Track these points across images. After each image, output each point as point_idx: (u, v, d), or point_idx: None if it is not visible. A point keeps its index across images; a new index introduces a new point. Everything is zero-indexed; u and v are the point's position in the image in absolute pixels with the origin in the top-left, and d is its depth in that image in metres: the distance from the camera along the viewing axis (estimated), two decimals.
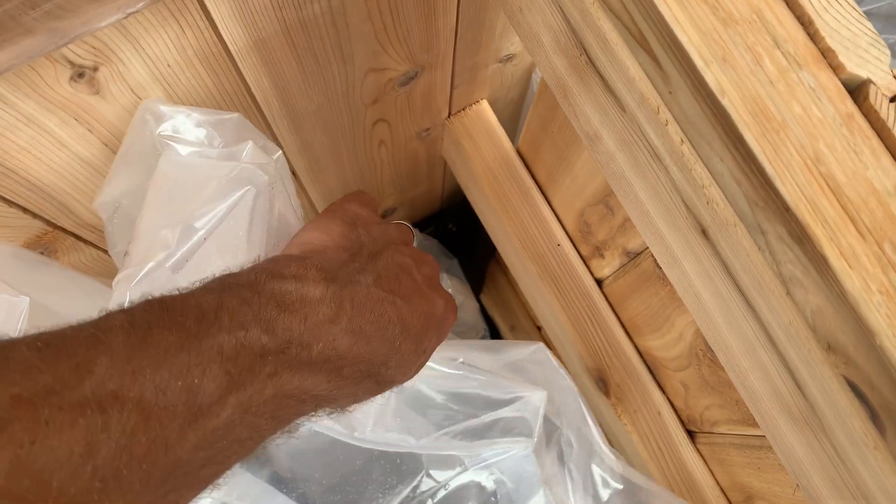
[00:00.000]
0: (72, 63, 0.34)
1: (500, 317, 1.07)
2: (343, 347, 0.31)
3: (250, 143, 0.39)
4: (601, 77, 0.33)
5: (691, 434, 0.62)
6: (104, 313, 0.26)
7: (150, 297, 0.27)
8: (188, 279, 0.31)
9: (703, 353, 0.52)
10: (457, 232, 0.98)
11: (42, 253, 0.48)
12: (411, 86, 0.56)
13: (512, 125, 0.76)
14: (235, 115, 0.41)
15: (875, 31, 0.26)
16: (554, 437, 0.52)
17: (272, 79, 0.45)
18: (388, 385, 0.36)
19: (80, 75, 0.35)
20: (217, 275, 0.31)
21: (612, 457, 0.50)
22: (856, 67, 0.26)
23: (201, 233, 0.36)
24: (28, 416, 0.21)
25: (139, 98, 0.39)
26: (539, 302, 0.69)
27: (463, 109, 0.67)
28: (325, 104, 0.51)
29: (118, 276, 0.36)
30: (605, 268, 0.62)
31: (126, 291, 0.34)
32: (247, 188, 0.37)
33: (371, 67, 0.50)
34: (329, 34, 0.43)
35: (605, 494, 0.50)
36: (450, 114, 0.67)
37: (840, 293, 0.25)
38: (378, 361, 0.34)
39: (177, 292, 0.28)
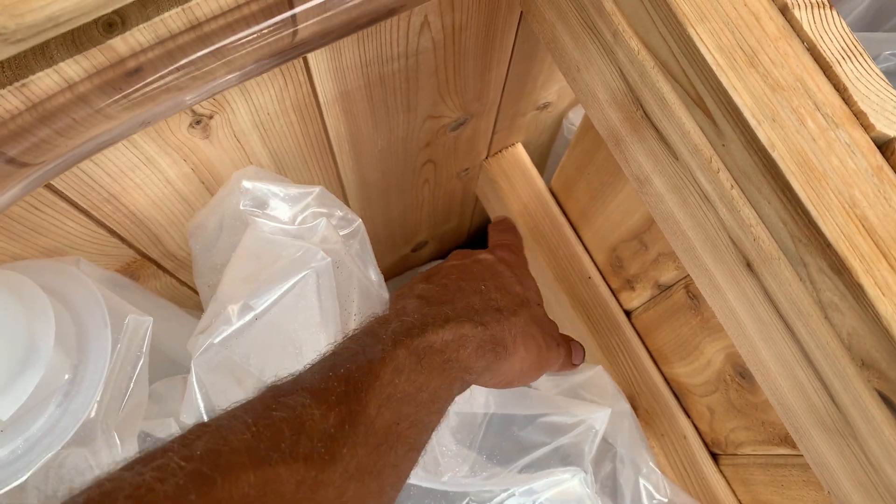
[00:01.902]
0: (195, 112, 0.39)
1: None
2: (445, 311, 0.41)
3: (323, 221, 0.44)
4: (656, 129, 0.39)
5: (715, 456, 0.66)
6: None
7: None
8: (244, 353, 0.36)
9: (732, 378, 0.56)
10: None
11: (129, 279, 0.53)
12: (460, 131, 0.61)
13: (541, 165, 0.82)
14: (317, 189, 0.46)
15: None
16: (608, 455, 0.56)
17: (348, 125, 0.50)
18: (513, 309, 0.45)
19: (198, 122, 0.40)
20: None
21: (659, 474, 0.54)
22: (884, 127, 0.31)
23: (255, 312, 0.41)
24: None
25: (239, 142, 0.44)
26: (571, 331, 0.74)
27: (500, 151, 0.73)
28: (386, 148, 0.56)
29: (194, 335, 0.41)
30: (635, 300, 0.67)
31: (192, 361, 0.39)
32: (305, 272, 0.42)
33: (430, 115, 0.55)
34: (401, 87, 0.48)
35: None
36: (488, 155, 0.72)
37: (874, 316, 0.30)
38: (479, 303, 0.43)
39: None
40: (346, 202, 0.63)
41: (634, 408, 0.69)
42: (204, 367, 0.38)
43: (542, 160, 0.82)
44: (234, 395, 0.39)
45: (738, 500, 0.65)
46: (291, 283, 0.41)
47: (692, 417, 0.67)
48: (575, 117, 0.74)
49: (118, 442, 0.37)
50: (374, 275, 0.47)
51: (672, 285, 0.59)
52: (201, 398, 0.38)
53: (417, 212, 0.76)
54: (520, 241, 0.59)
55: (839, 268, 0.31)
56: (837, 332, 0.33)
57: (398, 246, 0.86)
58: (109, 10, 0.30)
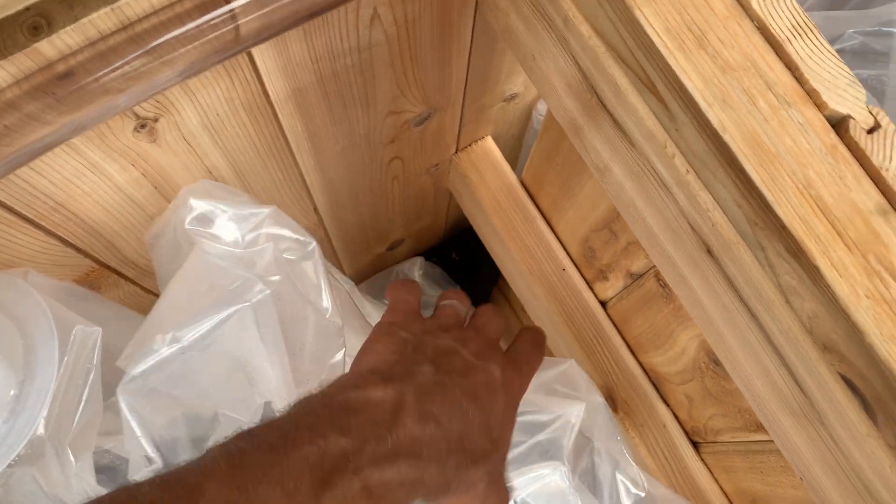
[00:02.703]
0: (137, 115, 0.38)
1: (506, 343, 1.10)
2: (416, 432, 0.34)
3: (270, 248, 0.43)
4: (611, 116, 0.38)
5: (696, 444, 0.66)
6: (205, 450, 0.30)
7: (240, 430, 0.32)
8: (172, 383, 0.36)
9: (707, 366, 0.56)
10: (459, 261, 1.02)
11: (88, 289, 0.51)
12: (425, 125, 0.60)
13: (513, 159, 0.81)
14: (269, 209, 0.44)
15: (852, 73, 0.31)
16: (586, 449, 0.55)
17: (304, 124, 0.49)
18: (481, 456, 0.38)
19: (143, 126, 0.39)
20: (293, 402, 0.35)
21: (636, 467, 0.53)
22: (837, 105, 0.30)
23: (180, 345, 0.40)
24: None
25: (190, 145, 0.43)
26: (547, 324, 0.73)
27: (469, 145, 0.72)
28: (348, 146, 0.55)
29: (121, 358, 0.39)
30: (609, 290, 0.66)
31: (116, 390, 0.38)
32: (239, 306, 0.40)
33: (391, 110, 0.54)
34: (357, 81, 0.47)
35: (628, 502, 0.53)
36: (457, 150, 0.71)
37: (833, 299, 0.29)
38: (455, 437, 0.36)
39: (261, 422, 0.33)
40: (312, 202, 0.62)
41: (613, 399, 0.68)
42: (131, 396, 0.37)
43: (515, 153, 0.81)
44: (169, 423, 0.39)
45: (721, 488, 0.65)
46: (224, 315, 0.40)
47: (671, 406, 0.67)
48: (544, 108, 0.73)
49: (72, 459, 0.36)
50: (327, 302, 0.46)
51: (643, 274, 0.58)
52: (137, 426, 0.37)
53: (389, 210, 0.75)
54: (539, 364, 0.49)
55: (796, 250, 0.30)
56: (798, 317, 0.32)
57: (372, 245, 0.85)
58: (22, 6, 0.29)
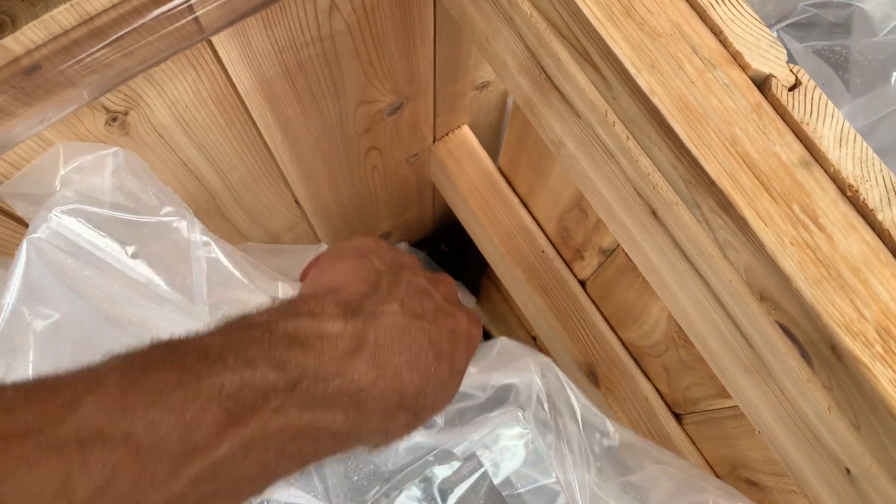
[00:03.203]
0: (107, 109, 0.40)
1: (496, 329, 1.12)
2: (366, 381, 0.30)
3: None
4: (558, 90, 0.39)
5: (678, 417, 0.67)
6: (107, 356, 0.26)
7: (158, 339, 0.27)
8: None
9: (678, 336, 0.57)
10: (449, 252, 1.04)
11: None
12: (398, 115, 0.62)
13: (493, 147, 0.82)
14: None
15: (773, 35, 0.32)
16: (551, 416, 0.56)
17: (275, 115, 0.50)
18: (427, 414, 0.35)
19: (114, 119, 0.41)
20: (229, 317, 0.30)
21: (604, 417, 0.54)
22: (760, 65, 0.32)
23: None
24: (1, 454, 0.21)
25: (162, 138, 0.45)
26: (529, 306, 0.75)
27: (446, 135, 0.74)
28: (322, 136, 0.57)
29: None
30: (587, 268, 0.68)
31: None
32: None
33: (361, 100, 0.56)
34: (323, 72, 0.49)
35: (600, 451, 0.54)
36: (434, 139, 0.73)
37: (761, 249, 0.31)
38: (412, 392, 0.32)
39: (186, 335, 0.28)
40: (293, 194, 0.64)
41: (595, 374, 0.70)
42: None
43: (494, 141, 0.82)
44: None
45: (703, 457, 0.66)
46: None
47: (652, 379, 0.68)
48: None
49: None
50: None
51: (614, 249, 0.60)
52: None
53: (372, 201, 0.77)
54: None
55: (725, 204, 0.31)
56: (736, 269, 0.34)
57: None
58: None
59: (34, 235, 0.36)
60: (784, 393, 0.36)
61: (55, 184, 0.38)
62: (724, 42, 0.33)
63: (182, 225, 0.41)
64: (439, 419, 0.57)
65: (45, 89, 0.34)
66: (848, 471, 0.34)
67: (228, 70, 0.43)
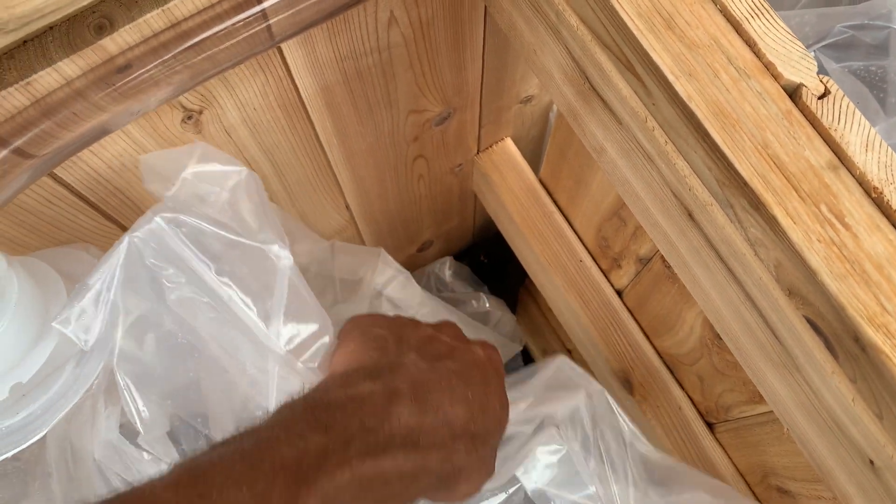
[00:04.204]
0: (185, 108, 0.44)
1: (532, 341, 1.14)
2: (413, 422, 0.33)
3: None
4: (601, 99, 0.42)
5: (710, 425, 0.69)
6: (170, 466, 0.29)
7: (213, 442, 0.31)
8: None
9: (712, 342, 0.59)
10: (488, 263, 1.06)
11: None
12: (445, 125, 0.65)
13: (535, 159, 0.85)
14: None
15: (804, 48, 0.35)
16: (593, 436, 0.57)
17: (333, 120, 0.54)
18: (485, 439, 0.37)
19: (190, 118, 0.45)
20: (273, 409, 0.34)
21: (649, 444, 0.56)
22: (791, 75, 0.34)
23: None
24: None
25: (230, 137, 0.49)
26: (566, 314, 0.77)
27: (490, 146, 0.77)
28: (374, 142, 0.60)
29: None
30: (623, 277, 0.70)
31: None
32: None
33: (412, 109, 0.59)
34: (379, 81, 0.53)
35: (641, 477, 0.56)
36: (479, 150, 0.76)
37: (790, 245, 0.33)
38: (460, 422, 0.35)
39: (234, 433, 0.31)
40: (344, 199, 0.67)
41: (630, 382, 0.72)
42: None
43: (536, 154, 0.85)
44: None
45: (735, 466, 0.67)
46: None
47: (686, 388, 0.70)
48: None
49: (104, 409, 0.42)
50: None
51: (651, 258, 0.62)
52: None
53: (416, 209, 0.80)
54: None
55: (756, 204, 0.34)
56: (766, 266, 0.36)
57: (403, 246, 0.90)
58: (86, 2, 0.35)
59: (135, 234, 0.40)
60: (810, 385, 0.38)
61: (179, 177, 0.42)
62: (757, 53, 0.35)
63: (274, 252, 0.44)
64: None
65: (133, 87, 0.38)
66: (872, 462, 0.36)
67: (294, 75, 0.47)
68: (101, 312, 0.40)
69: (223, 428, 0.44)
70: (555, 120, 0.65)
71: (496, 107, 0.68)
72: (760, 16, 0.35)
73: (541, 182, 0.77)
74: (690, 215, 0.40)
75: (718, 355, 0.59)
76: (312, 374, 0.43)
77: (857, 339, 0.32)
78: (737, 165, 0.34)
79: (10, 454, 0.38)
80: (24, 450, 0.38)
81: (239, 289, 0.42)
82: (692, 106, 0.34)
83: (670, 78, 0.35)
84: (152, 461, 0.42)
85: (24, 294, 0.38)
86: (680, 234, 0.42)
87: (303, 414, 0.32)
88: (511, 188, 0.76)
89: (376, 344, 0.39)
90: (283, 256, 0.44)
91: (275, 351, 0.42)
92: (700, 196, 0.37)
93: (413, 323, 0.42)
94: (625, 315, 0.72)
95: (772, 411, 0.57)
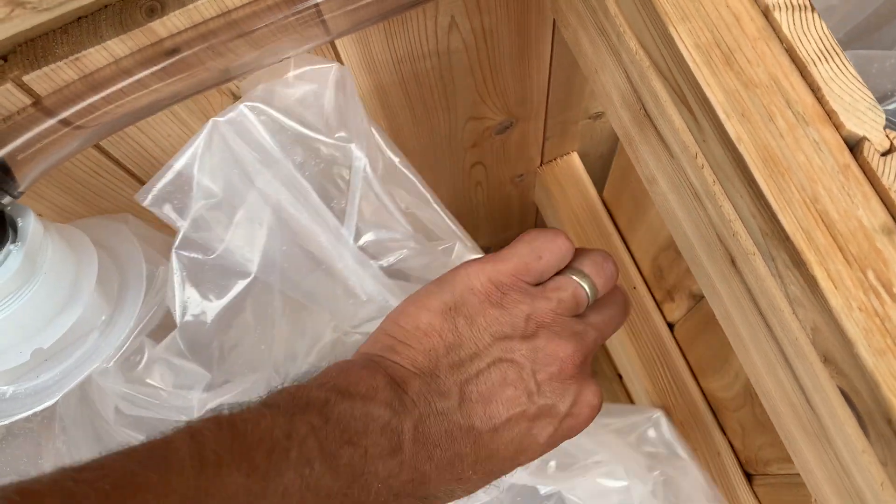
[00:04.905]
0: (234, 95, 0.44)
1: None
2: (400, 482, 0.30)
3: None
4: (655, 128, 0.40)
5: (749, 476, 0.65)
6: (178, 433, 0.26)
7: (220, 417, 0.28)
8: None
9: (755, 392, 0.56)
10: None
11: None
12: (507, 134, 0.64)
13: (601, 178, 0.83)
14: None
15: (873, 98, 0.32)
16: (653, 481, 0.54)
17: (387, 120, 0.53)
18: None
19: None
20: (290, 385, 0.31)
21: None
22: (854, 126, 0.32)
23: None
24: None
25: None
26: (614, 341, 0.74)
27: (554, 159, 0.75)
28: (429, 145, 0.59)
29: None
30: (676, 311, 0.67)
31: None
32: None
33: (471, 116, 0.58)
34: (437, 85, 0.52)
35: None
36: (542, 163, 0.74)
37: (827, 309, 0.30)
38: (437, 492, 0.31)
39: (247, 407, 0.29)
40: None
41: (669, 418, 0.69)
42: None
43: (603, 172, 0.83)
44: None
45: None
46: None
47: (727, 434, 0.66)
48: None
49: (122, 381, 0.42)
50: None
51: (703, 296, 0.59)
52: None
53: (473, 215, 0.79)
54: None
55: (798, 261, 0.31)
56: (803, 327, 0.33)
57: None
58: None
59: (219, 119, 0.40)
60: (840, 460, 0.35)
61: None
62: (820, 99, 0.33)
63: (349, 151, 0.43)
64: (552, 462, 0.57)
65: (179, 70, 0.38)
66: None
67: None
68: (186, 191, 0.41)
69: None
70: (620, 144, 0.63)
71: (562, 119, 0.67)
72: (829, 60, 0.33)
73: (603, 201, 0.75)
74: (733, 262, 0.37)
75: (761, 406, 0.56)
76: (384, 274, 0.43)
77: (891, 421, 0.29)
78: (780, 217, 0.31)
79: (25, 415, 0.39)
80: (38, 412, 0.39)
81: (314, 183, 0.41)
82: (741, 148, 0.32)
83: (721, 116, 0.33)
84: (176, 395, 0.42)
85: (56, 262, 0.38)
86: (722, 279, 0.40)
87: (319, 427, 0.29)
88: (571, 204, 0.74)
89: (445, 332, 0.33)
90: (357, 157, 0.43)
91: (349, 246, 0.42)
92: (743, 243, 0.35)
93: (526, 328, 0.33)
94: (673, 349, 0.69)
95: None
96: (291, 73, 0.42)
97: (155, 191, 0.40)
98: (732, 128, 0.33)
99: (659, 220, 0.62)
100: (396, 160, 0.46)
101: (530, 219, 0.89)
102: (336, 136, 0.43)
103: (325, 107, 0.43)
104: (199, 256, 0.42)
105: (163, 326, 0.44)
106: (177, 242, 0.41)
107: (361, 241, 0.43)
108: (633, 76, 0.40)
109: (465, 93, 0.54)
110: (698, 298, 0.60)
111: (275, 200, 0.42)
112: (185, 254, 0.41)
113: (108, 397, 0.42)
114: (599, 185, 0.76)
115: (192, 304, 0.42)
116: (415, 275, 0.46)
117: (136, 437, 0.44)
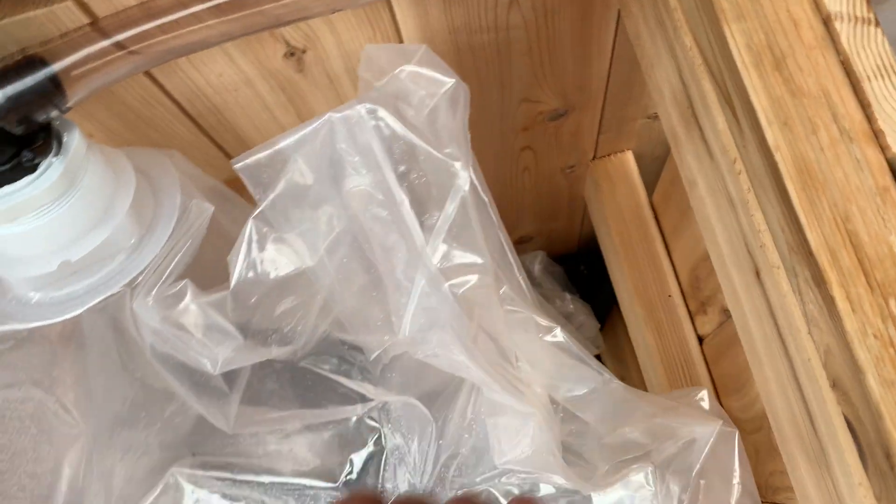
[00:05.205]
0: (287, 43, 0.44)
1: (612, 366, 1.10)
2: None
3: None
4: (700, 128, 0.39)
5: None
6: None
7: None
8: None
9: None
10: (587, 275, 1.03)
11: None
12: (560, 122, 0.63)
13: (653, 181, 0.81)
14: None
15: None
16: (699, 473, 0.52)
17: None
18: None
19: (292, 54, 0.46)
20: None
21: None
22: None
23: None
24: None
25: (332, 84, 0.49)
26: (641, 346, 0.73)
27: (608, 155, 0.74)
28: (478, 121, 0.59)
29: None
30: (707, 325, 0.66)
31: None
32: None
33: (525, 97, 0.57)
34: (492, 60, 0.51)
35: None
36: (595, 157, 0.73)
37: (841, 332, 0.29)
38: None
39: None
40: None
41: None
42: None
43: (655, 176, 0.81)
44: None
45: None
46: None
47: None
48: None
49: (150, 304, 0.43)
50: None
51: None
52: None
53: (518, 201, 0.79)
54: None
55: (819, 279, 0.30)
56: (817, 349, 0.32)
57: None
58: None
59: (335, 115, 0.40)
60: (837, 490, 0.34)
61: (393, 72, 0.42)
62: (869, 117, 0.31)
63: (455, 169, 0.43)
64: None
65: (235, 9, 0.39)
66: None
67: (402, 36, 0.46)
68: (278, 170, 0.41)
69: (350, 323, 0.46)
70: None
71: (620, 115, 0.66)
72: (886, 77, 0.31)
73: (652, 205, 0.73)
74: (758, 274, 0.36)
75: None
76: (454, 301, 0.42)
77: (889, 456, 0.28)
78: (807, 232, 0.30)
79: (47, 323, 0.41)
80: (58, 323, 0.41)
81: (411, 195, 0.42)
82: (777, 157, 0.31)
83: (762, 122, 0.32)
84: (203, 345, 0.43)
85: (94, 180, 0.40)
86: (746, 291, 0.39)
87: None
88: (618, 203, 0.73)
89: None
90: (462, 177, 0.43)
91: (426, 265, 0.42)
92: (769, 256, 0.34)
93: None
94: (700, 363, 0.68)
95: None
96: (408, 68, 0.42)
97: (251, 160, 0.40)
98: (772, 135, 0.32)
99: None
100: (486, 199, 0.45)
101: (577, 214, 0.88)
102: (444, 151, 0.43)
103: (438, 120, 0.43)
104: (270, 232, 0.43)
105: (190, 267, 0.45)
106: (256, 212, 0.42)
107: (441, 262, 0.43)
108: (684, 73, 0.40)
109: (522, 73, 0.54)
110: (730, 314, 0.59)
111: (359, 207, 0.42)
112: (260, 224, 0.42)
113: (145, 328, 0.43)
114: (650, 188, 0.75)
115: (250, 270, 0.43)
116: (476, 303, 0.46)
117: (166, 374, 0.45)
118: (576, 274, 1.04)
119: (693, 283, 0.67)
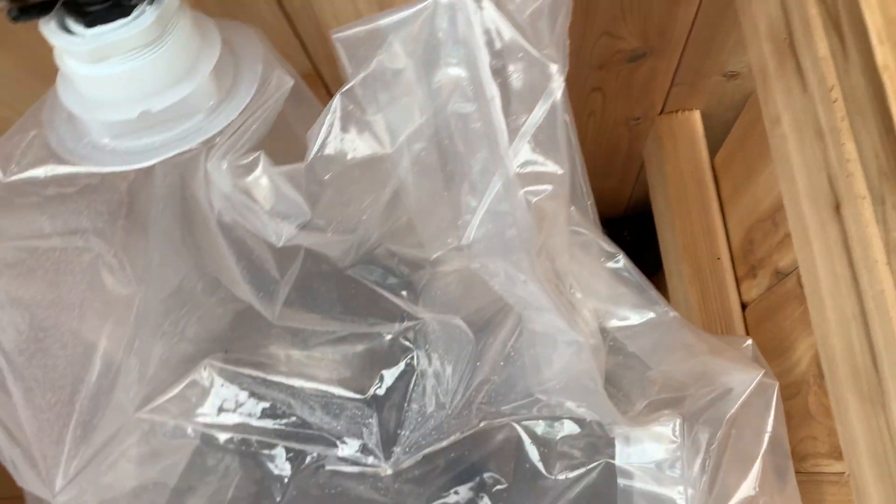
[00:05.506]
0: None
1: None
2: None
3: None
4: (796, 59, 0.39)
5: None
6: None
7: None
8: None
9: (815, 379, 0.54)
10: (630, 241, 1.02)
11: None
12: (636, 65, 0.62)
13: (716, 145, 0.80)
14: None
15: None
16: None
17: None
18: None
19: None
20: None
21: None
22: None
23: None
24: None
25: None
26: (682, 307, 0.73)
27: (676, 112, 0.73)
28: None
29: None
30: (754, 289, 0.65)
31: None
32: None
33: (607, 30, 0.57)
34: None
35: None
36: (662, 111, 0.73)
37: None
38: None
39: None
40: None
41: None
42: None
43: (720, 139, 0.80)
44: None
45: None
46: None
47: None
48: None
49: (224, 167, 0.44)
50: None
51: (789, 273, 0.57)
52: None
53: None
54: None
55: None
56: (894, 278, 0.32)
57: None
58: None
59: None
60: (889, 429, 0.34)
61: None
62: None
63: (550, 71, 0.41)
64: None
65: None
66: None
67: None
68: (374, 47, 0.40)
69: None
70: (747, 105, 0.61)
71: (696, 68, 0.65)
72: None
73: (712, 168, 0.73)
74: (837, 207, 0.36)
75: (815, 396, 0.54)
76: (527, 208, 0.42)
77: None
78: None
79: (117, 169, 0.42)
80: (130, 173, 0.42)
81: (503, 92, 0.40)
82: (884, 77, 0.31)
83: (874, 41, 0.31)
84: (271, 215, 0.43)
85: (182, 36, 0.40)
86: (820, 228, 0.38)
87: None
88: (679, 162, 0.73)
89: None
90: (557, 80, 0.42)
91: (506, 167, 0.41)
92: (856, 186, 0.34)
93: None
94: (740, 329, 0.68)
95: (843, 472, 0.52)
96: None
97: (350, 32, 0.40)
98: (882, 55, 0.31)
99: (765, 187, 0.60)
100: (568, 119, 0.44)
101: (631, 174, 0.88)
102: (543, 51, 0.42)
103: (540, 21, 0.42)
104: (356, 110, 0.43)
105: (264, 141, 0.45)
106: (345, 88, 0.41)
107: (522, 167, 0.42)
108: (788, 2, 0.39)
109: (608, 3, 0.53)
110: (782, 276, 0.59)
111: (447, 99, 0.41)
112: (346, 101, 0.42)
113: (216, 193, 0.44)
114: (713, 152, 0.74)
115: (330, 146, 0.43)
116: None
117: (226, 249, 0.46)
118: (619, 240, 1.03)
119: (746, 246, 0.66)
